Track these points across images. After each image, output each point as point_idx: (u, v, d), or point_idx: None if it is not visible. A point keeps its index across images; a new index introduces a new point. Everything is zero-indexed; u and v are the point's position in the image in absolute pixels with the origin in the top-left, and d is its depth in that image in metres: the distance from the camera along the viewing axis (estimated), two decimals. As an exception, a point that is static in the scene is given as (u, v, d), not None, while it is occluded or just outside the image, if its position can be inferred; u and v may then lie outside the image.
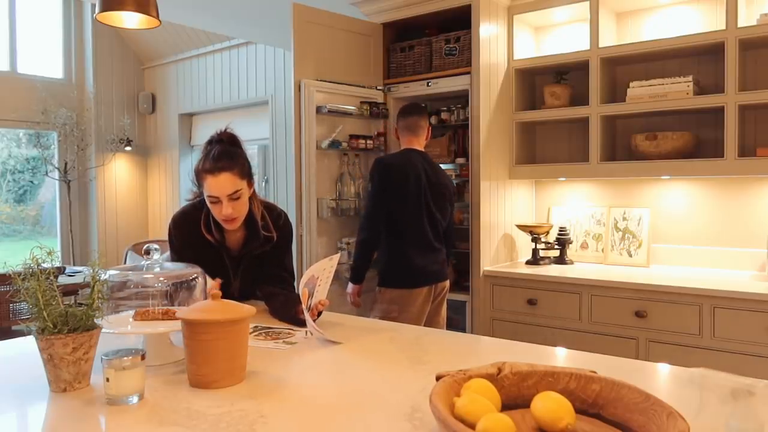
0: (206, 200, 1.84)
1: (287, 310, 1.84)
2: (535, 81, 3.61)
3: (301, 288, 1.72)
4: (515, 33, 3.43)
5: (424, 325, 2.74)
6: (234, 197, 1.80)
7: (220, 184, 1.78)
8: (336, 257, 1.80)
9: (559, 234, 3.37)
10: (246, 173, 1.85)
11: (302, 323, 1.75)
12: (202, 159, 1.84)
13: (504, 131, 3.40)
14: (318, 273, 1.74)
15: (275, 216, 2.02)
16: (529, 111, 3.46)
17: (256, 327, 1.77)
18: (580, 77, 3.28)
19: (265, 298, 2.00)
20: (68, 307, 1.23)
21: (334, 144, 3.27)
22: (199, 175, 1.83)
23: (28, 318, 1.23)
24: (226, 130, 1.93)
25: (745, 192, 3.02)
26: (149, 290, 1.49)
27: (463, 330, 3.25)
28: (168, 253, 2.00)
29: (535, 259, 3.35)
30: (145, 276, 1.51)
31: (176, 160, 6.79)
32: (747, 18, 2.83)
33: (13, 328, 3.82)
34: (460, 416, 0.90)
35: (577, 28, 3.44)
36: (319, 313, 1.78)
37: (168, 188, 6.91)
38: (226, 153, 1.83)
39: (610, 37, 3.22)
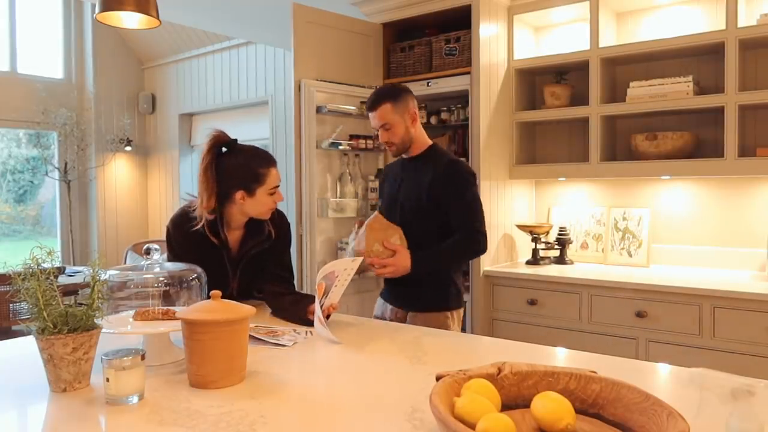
0: (262, 195, 1.87)
1: (297, 310, 1.85)
2: (535, 81, 3.61)
3: (319, 280, 1.74)
4: (515, 33, 3.42)
5: None
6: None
7: (279, 172, 1.94)
8: (358, 260, 1.83)
9: (559, 234, 3.37)
10: None
11: (310, 323, 1.76)
12: (251, 159, 1.89)
13: (504, 131, 3.40)
14: (338, 271, 1.76)
15: (271, 214, 2.03)
16: (529, 111, 3.46)
17: (256, 327, 1.77)
18: (580, 77, 3.27)
19: (269, 297, 2.00)
20: (68, 307, 1.23)
21: (334, 144, 3.27)
22: (258, 172, 1.87)
23: (28, 318, 1.23)
24: (222, 132, 1.92)
25: (745, 192, 3.02)
26: (149, 290, 1.49)
27: (463, 330, 3.24)
28: (167, 253, 2.00)
29: (535, 259, 3.34)
30: (145, 276, 1.51)
31: (176, 160, 6.79)
32: (747, 18, 2.83)
33: (13, 328, 3.82)
34: (460, 416, 0.90)
35: (577, 28, 3.44)
36: (328, 316, 1.79)
37: (168, 188, 6.91)
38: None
39: (610, 37, 3.22)
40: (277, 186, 1.92)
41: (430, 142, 2.31)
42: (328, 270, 1.76)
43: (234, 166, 1.87)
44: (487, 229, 3.25)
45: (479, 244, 2.19)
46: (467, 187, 2.20)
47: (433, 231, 2.19)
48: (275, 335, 1.67)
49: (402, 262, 2.07)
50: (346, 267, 1.78)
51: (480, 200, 2.24)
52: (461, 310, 2.30)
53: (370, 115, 2.24)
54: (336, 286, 1.76)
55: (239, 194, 1.86)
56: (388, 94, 2.22)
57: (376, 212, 2.09)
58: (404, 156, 2.31)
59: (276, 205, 1.96)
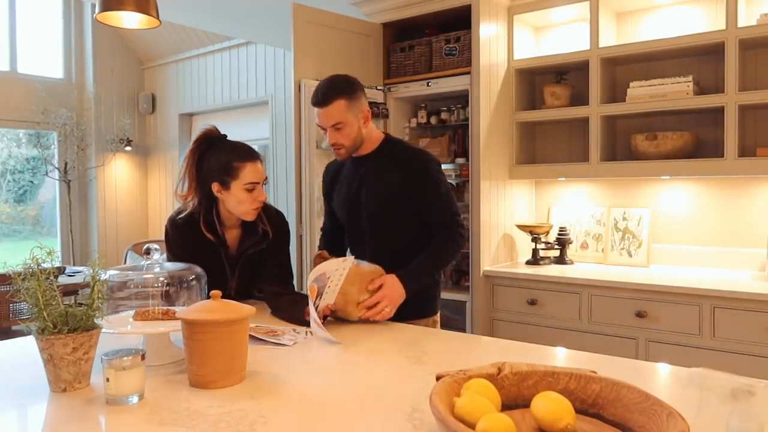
0: (238, 191, 1.87)
1: (295, 310, 1.85)
2: (535, 81, 3.61)
3: (310, 283, 1.71)
4: (515, 33, 3.42)
5: None
6: (264, 183, 1.93)
7: (260, 170, 1.90)
8: (349, 259, 1.77)
9: (559, 234, 3.37)
10: None
11: (308, 324, 1.76)
12: (229, 151, 1.89)
13: (504, 131, 3.40)
14: (330, 272, 1.73)
15: (270, 214, 2.04)
16: (529, 111, 3.46)
17: (256, 327, 1.77)
18: (580, 77, 3.28)
19: (268, 297, 2.00)
20: (68, 307, 1.23)
21: (334, 144, 3.27)
22: (233, 166, 1.86)
23: (28, 318, 1.23)
24: (215, 127, 1.96)
25: (745, 192, 3.02)
26: (149, 290, 1.49)
27: (463, 330, 3.25)
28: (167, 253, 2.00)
29: (535, 259, 3.34)
30: (145, 276, 1.51)
31: (176, 160, 6.79)
32: (747, 18, 2.83)
33: (13, 328, 3.82)
34: (460, 416, 0.90)
35: (577, 28, 3.44)
36: (325, 317, 1.79)
37: (168, 188, 6.90)
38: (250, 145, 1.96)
39: (610, 37, 3.22)
40: (256, 183, 1.88)
41: (382, 135, 2.06)
42: (318, 272, 1.73)
43: (214, 158, 1.90)
44: (486, 229, 3.18)
45: (462, 239, 1.98)
46: (441, 178, 1.98)
47: (412, 235, 1.99)
48: (275, 335, 1.67)
49: (394, 291, 1.81)
50: (337, 267, 1.74)
51: (451, 189, 2.04)
52: (438, 316, 2.12)
53: (318, 111, 1.93)
54: (329, 287, 1.74)
55: (215, 186, 1.89)
56: (342, 88, 1.91)
57: (351, 263, 1.77)
58: (354, 155, 2.04)
59: (259, 205, 1.92)
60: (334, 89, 1.90)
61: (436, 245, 1.96)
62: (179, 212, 1.97)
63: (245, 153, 1.89)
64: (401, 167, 1.97)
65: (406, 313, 1.89)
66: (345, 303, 1.80)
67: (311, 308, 1.69)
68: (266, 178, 1.93)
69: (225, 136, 1.96)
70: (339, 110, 1.90)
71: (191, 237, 1.92)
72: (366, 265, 1.85)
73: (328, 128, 1.94)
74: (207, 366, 1.25)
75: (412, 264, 1.91)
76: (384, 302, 1.79)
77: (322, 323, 1.73)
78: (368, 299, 1.79)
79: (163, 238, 2.02)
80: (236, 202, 1.89)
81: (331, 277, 1.74)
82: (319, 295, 1.73)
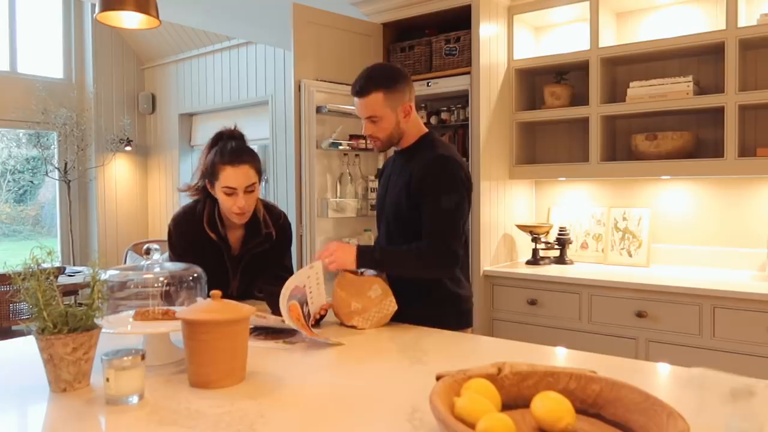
0: (219, 192, 1.87)
1: None
2: (535, 81, 3.61)
3: (286, 303, 1.59)
4: (515, 33, 3.42)
5: None
6: (249, 190, 1.86)
7: (240, 175, 1.83)
8: (318, 263, 1.73)
9: (559, 234, 3.37)
10: (260, 170, 1.92)
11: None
12: (217, 152, 1.88)
13: (504, 131, 3.40)
14: (302, 283, 1.68)
15: (274, 215, 2.05)
16: (529, 111, 3.46)
17: (256, 327, 1.77)
18: (580, 77, 3.27)
19: (268, 298, 2.00)
20: (68, 307, 1.23)
21: (334, 144, 3.27)
22: (215, 166, 1.85)
23: (28, 318, 1.23)
24: (235, 128, 1.97)
25: (745, 192, 3.02)
26: (149, 290, 1.49)
27: (463, 330, 3.24)
28: (167, 253, 2.00)
29: (535, 259, 3.34)
30: (145, 276, 1.51)
31: (176, 160, 6.79)
32: (747, 18, 2.83)
33: (13, 328, 3.82)
34: (460, 416, 0.90)
35: (577, 28, 3.44)
36: (321, 317, 1.79)
37: (168, 188, 6.91)
38: (245, 148, 1.91)
39: (610, 37, 3.22)
40: (233, 188, 1.82)
41: (425, 130, 1.93)
42: (290, 287, 1.62)
43: (209, 156, 1.91)
44: (486, 229, 3.11)
45: (445, 261, 1.76)
46: (448, 189, 1.77)
47: None
48: (274, 336, 1.67)
49: (342, 251, 1.77)
50: (309, 275, 1.68)
51: (462, 212, 1.80)
52: (467, 331, 1.94)
53: (356, 101, 1.84)
54: (311, 292, 1.70)
55: (208, 183, 1.91)
56: (382, 80, 1.81)
57: (319, 265, 1.73)
58: (395, 148, 1.95)
59: (239, 211, 1.86)
60: (373, 81, 1.82)
61: (412, 247, 1.79)
62: (184, 212, 1.98)
63: (229, 156, 1.84)
64: (416, 169, 1.82)
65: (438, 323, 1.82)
66: (336, 306, 1.80)
67: (301, 324, 1.66)
68: (253, 184, 1.86)
69: (237, 135, 1.96)
70: (375, 103, 1.81)
71: (194, 236, 1.92)
72: (370, 273, 1.83)
73: (364, 119, 1.87)
74: (207, 366, 1.25)
75: (382, 248, 1.85)
76: (328, 252, 1.77)
77: (319, 323, 1.73)
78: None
79: (163, 237, 2.02)
80: (221, 203, 1.90)
81: (308, 285, 1.70)
82: (303, 304, 1.69)
